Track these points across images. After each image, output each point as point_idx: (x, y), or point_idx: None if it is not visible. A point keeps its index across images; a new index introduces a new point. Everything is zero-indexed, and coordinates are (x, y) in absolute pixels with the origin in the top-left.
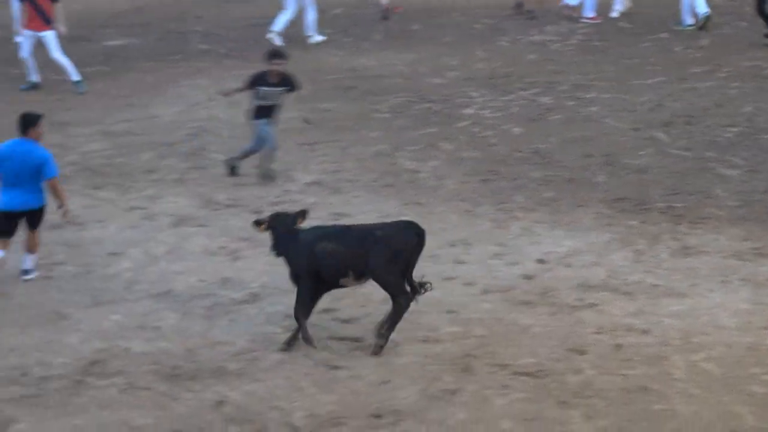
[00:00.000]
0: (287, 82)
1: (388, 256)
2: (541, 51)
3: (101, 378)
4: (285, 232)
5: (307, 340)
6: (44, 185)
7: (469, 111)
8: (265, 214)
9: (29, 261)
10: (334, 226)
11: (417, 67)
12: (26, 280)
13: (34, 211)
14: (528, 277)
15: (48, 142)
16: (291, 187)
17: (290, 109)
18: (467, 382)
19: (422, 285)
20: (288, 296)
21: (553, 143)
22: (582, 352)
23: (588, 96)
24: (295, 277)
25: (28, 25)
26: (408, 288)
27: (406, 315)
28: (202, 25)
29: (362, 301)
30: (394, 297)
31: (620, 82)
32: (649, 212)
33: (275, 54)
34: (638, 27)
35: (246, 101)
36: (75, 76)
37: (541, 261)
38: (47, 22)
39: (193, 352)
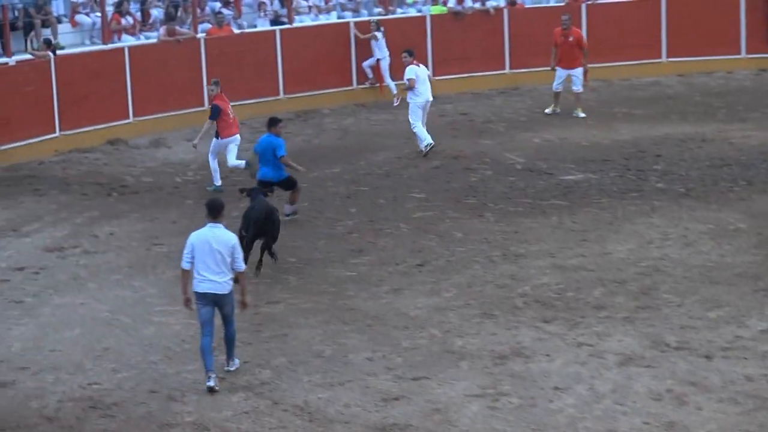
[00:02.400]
0: None
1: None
2: None
3: None
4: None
5: None
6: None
7: None
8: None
9: (289, 208)
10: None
11: None
12: (288, 216)
13: (283, 180)
14: None
15: (501, 272)
16: (743, 333)
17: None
18: None
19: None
20: None
21: None
22: None
23: None
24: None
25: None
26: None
27: None
28: (660, 164)
29: None
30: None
31: None
32: None
33: None
34: None
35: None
36: (217, 181)
37: None
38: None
39: None
